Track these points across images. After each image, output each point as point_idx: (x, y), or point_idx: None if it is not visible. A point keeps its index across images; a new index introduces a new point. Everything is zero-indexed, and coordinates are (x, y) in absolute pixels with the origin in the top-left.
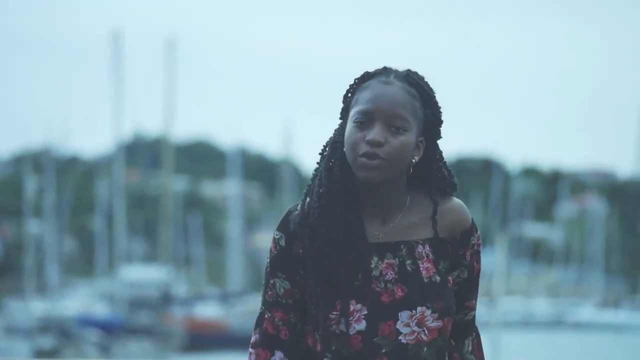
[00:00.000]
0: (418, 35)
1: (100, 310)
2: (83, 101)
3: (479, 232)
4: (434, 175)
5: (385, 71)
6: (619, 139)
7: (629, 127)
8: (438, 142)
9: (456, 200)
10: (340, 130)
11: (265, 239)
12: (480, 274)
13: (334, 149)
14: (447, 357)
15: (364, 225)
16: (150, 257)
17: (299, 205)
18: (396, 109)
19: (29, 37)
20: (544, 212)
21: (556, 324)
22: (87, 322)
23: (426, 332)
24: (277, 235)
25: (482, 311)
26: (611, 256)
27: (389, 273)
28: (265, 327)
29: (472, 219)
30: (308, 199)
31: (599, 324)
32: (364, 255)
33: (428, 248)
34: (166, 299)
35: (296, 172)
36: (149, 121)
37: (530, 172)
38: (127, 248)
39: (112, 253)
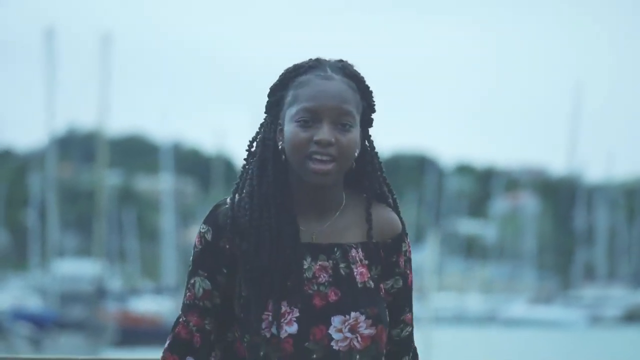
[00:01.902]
0: (353, 32)
1: (33, 304)
2: (16, 96)
3: (409, 240)
4: (367, 170)
5: (319, 64)
6: (552, 137)
7: (561, 125)
8: (369, 130)
9: (389, 209)
10: (268, 127)
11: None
12: (413, 286)
13: (265, 146)
14: None
15: (298, 224)
16: (84, 252)
17: (228, 200)
18: (342, 105)
19: None
20: (477, 208)
21: (489, 319)
22: (19, 315)
23: (359, 339)
24: (203, 228)
25: (414, 308)
26: (544, 253)
27: (322, 275)
28: (178, 332)
29: (404, 227)
30: (237, 197)
31: (532, 320)
32: (296, 256)
33: (361, 252)
34: (100, 293)
35: (229, 167)
36: (83, 116)
37: (464, 169)
38: (61, 242)
39: (45, 247)
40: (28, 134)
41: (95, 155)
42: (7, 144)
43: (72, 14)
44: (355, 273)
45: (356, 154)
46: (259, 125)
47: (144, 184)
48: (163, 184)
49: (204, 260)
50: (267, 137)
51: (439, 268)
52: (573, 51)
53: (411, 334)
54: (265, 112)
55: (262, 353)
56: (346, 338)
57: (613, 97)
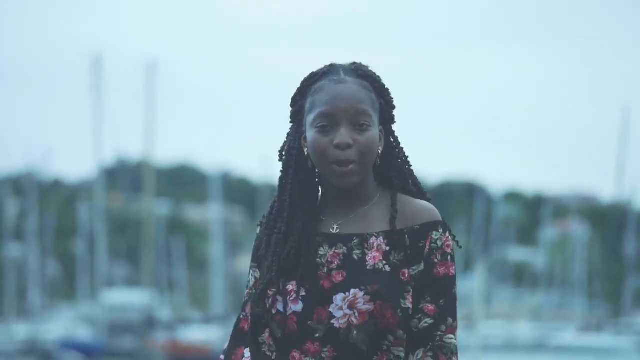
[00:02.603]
0: (400, 60)
1: (83, 333)
2: (65, 126)
3: (448, 235)
4: (394, 165)
5: (333, 69)
6: (600, 163)
7: (610, 151)
8: (392, 126)
9: (424, 201)
10: (293, 135)
11: (247, 262)
12: (448, 282)
13: (288, 155)
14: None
15: (323, 219)
16: (133, 281)
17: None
18: (357, 106)
19: (8, 65)
20: (526, 236)
21: (538, 347)
22: (68, 345)
23: (356, 314)
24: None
25: (462, 335)
26: (593, 280)
27: (335, 261)
28: (242, 326)
29: (443, 221)
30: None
31: (581, 348)
32: (306, 249)
33: (382, 240)
34: (149, 323)
35: None
36: (132, 145)
37: (513, 197)
38: (110, 272)
39: (94, 277)
40: (77, 163)
41: (143, 184)
42: (56, 174)
43: (118, 42)
44: (368, 257)
45: (379, 151)
46: (286, 135)
47: (192, 213)
48: (212, 213)
49: (255, 253)
50: (291, 146)
51: (487, 296)
52: (621, 76)
53: (433, 327)
54: (290, 122)
55: (269, 329)
56: (345, 315)
57: None
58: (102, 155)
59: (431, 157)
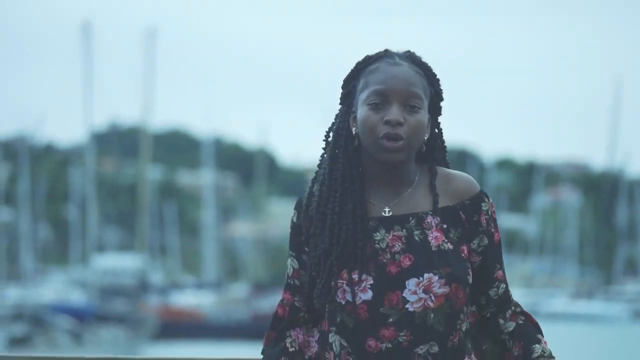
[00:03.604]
0: (395, 29)
1: (74, 297)
2: (58, 91)
3: (490, 201)
4: (438, 152)
5: (388, 53)
6: (593, 131)
7: (602, 119)
8: (439, 118)
9: (462, 172)
10: (342, 116)
11: (240, 228)
12: (501, 245)
13: (337, 135)
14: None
15: (372, 202)
16: (126, 246)
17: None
18: (410, 88)
19: (1, 29)
20: (518, 203)
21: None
22: (60, 309)
23: (433, 298)
24: (293, 213)
25: None
26: (585, 247)
27: (396, 244)
28: (276, 310)
29: (482, 189)
30: (316, 185)
31: (573, 315)
32: (361, 232)
33: (437, 218)
34: (142, 287)
35: (271, 162)
36: (125, 111)
37: (505, 164)
38: (102, 236)
39: (85, 241)
40: (70, 129)
41: (137, 150)
42: (48, 139)
43: (115, 8)
44: (430, 237)
45: (425, 137)
46: (334, 117)
47: (185, 178)
48: (204, 179)
49: (293, 241)
50: (340, 126)
51: None
52: (613, 44)
53: (507, 290)
54: (340, 104)
55: (338, 319)
56: (420, 299)
57: None
58: (93, 120)
59: None
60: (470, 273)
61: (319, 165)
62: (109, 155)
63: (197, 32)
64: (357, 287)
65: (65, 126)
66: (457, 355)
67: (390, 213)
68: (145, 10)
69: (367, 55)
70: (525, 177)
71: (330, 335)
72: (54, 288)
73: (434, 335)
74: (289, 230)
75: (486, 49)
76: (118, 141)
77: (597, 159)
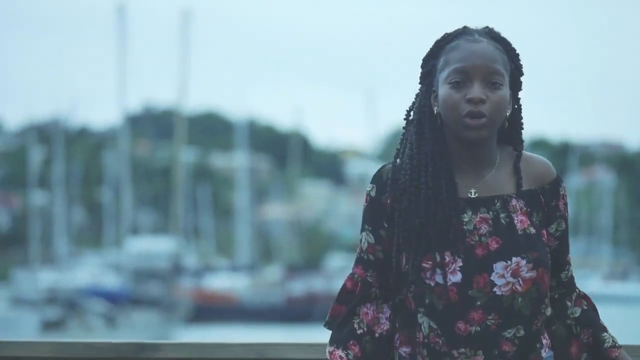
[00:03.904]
0: (431, 9)
1: (109, 281)
2: (92, 74)
3: (564, 184)
4: (517, 129)
5: (467, 30)
6: (628, 111)
7: (638, 99)
8: (519, 93)
9: (540, 156)
10: (423, 95)
11: (273, 211)
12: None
13: (421, 112)
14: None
15: (457, 182)
16: (160, 229)
17: (390, 163)
18: (491, 64)
19: (34, 12)
20: None
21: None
22: (94, 292)
23: (520, 282)
24: (369, 187)
25: None
26: (619, 228)
27: (483, 227)
28: (345, 283)
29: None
30: (399, 160)
31: (607, 296)
32: (455, 210)
33: (521, 201)
34: (176, 270)
35: (305, 144)
36: (159, 94)
37: (539, 144)
38: (136, 219)
39: (119, 224)
40: (104, 112)
41: (170, 132)
42: (82, 122)
43: None
44: (515, 221)
45: (507, 113)
46: (414, 96)
47: (219, 161)
48: (237, 161)
49: (369, 215)
50: (422, 104)
51: None
52: None
53: (571, 273)
54: (419, 83)
55: (427, 301)
56: (508, 283)
57: None
58: (127, 103)
59: None
60: (549, 257)
61: (400, 143)
62: (143, 138)
63: (230, 14)
64: (447, 269)
65: (100, 109)
66: (537, 337)
67: (476, 194)
68: None
69: (446, 33)
70: (559, 158)
71: (418, 315)
72: (88, 271)
73: (521, 319)
74: (364, 204)
75: (520, 26)
76: (152, 124)
77: (632, 138)
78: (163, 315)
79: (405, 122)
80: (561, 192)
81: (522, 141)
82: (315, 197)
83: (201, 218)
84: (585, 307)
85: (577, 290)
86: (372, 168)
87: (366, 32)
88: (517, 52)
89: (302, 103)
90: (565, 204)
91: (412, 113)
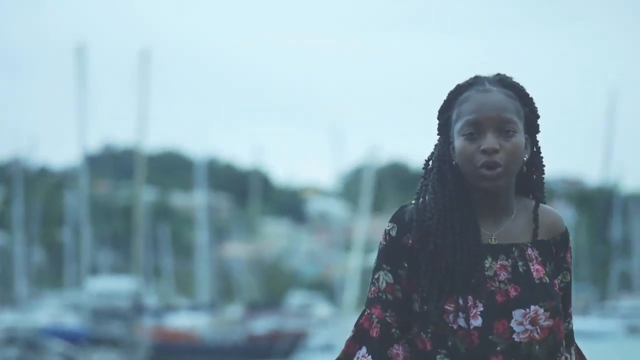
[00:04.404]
0: (394, 47)
1: (69, 321)
2: (52, 114)
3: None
4: (538, 174)
5: (478, 80)
6: (587, 146)
7: (596, 134)
8: (537, 136)
9: (551, 208)
10: (442, 145)
11: (234, 249)
12: None
13: (442, 161)
14: None
15: (479, 227)
16: (120, 268)
17: (413, 203)
18: (502, 113)
19: None
20: None
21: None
22: (53, 333)
23: (538, 330)
24: (389, 226)
25: None
26: (580, 264)
27: (502, 274)
28: (361, 322)
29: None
30: (421, 200)
31: None
32: (479, 256)
33: (536, 251)
34: (137, 310)
35: (265, 182)
36: (119, 133)
37: None
38: (96, 259)
39: (80, 264)
40: (64, 152)
41: (130, 171)
42: (42, 162)
43: (108, 31)
44: (532, 270)
45: (525, 158)
46: (433, 146)
47: (179, 200)
48: (197, 200)
49: (388, 255)
50: (442, 154)
51: None
52: (607, 58)
53: (572, 326)
54: (437, 134)
55: (450, 343)
56: (527, 330)
57: None
58: (87, 143)
59: (417, 143)
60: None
61: (419, 190)
62: (103, 178)
63: (189, 54)
64: (469, 313)
65: (59, 149)
66: None
67: (496, 241)
68: (138, 32)
69: (458, 84)
70: None
71: (438, 357)
72: (48, 312)
73: None
74: (382, 243)
75: (473, 61)
76: (112, 163)
77: (591, 174)
78: (123, 356)
79: (424, 170)
80: (569, 245)
81: (542, 188)
82: (275, 235)
83: (161, 257)
84: None
85: (575, 343)
86: (333, 206)
87: (327, 70)
88: (530, 96)
89: (263, 142)
90: (571, 257)
91: (430, 162)
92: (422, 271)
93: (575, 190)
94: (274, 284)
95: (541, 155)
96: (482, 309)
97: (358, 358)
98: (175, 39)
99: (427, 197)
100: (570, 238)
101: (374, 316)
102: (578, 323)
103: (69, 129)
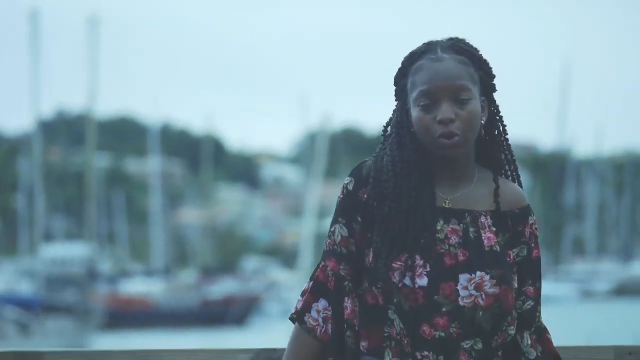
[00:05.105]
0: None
1: (23, 288)
2: (5, 80)
3: (535, 219)
4: (494, 136)
5: (431, 47)
6: (541, 113)
7: (551, 101)
8: (494, 95)
9: (514, 184)
10: (400, 112)
11: (188, 215)
12: (540, 264)
13: (401, 127)
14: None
15: (435, 192)
16: (74, 235)
17: (371, 160)
18: (456, 81)
19: None
20: None
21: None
22: (7, 300)
23: (483, 297)
24: (347, 180)
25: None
26: None
27: (453, 237)
28: (317, 275)
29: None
30: (379, 161)
31: None
32: (432, 218)
33: (490, 220)
34: (91, 276)
35: (219, 148)
36: (72, 100)
37: None
38: (50, 226)
39: (34, 231)
40: (17, 118)
41: (84, 138)
42: None
43: None
44: (483, 237)
45: (482, 122)
46: (392, 112)
47: (133, 166)
48: (151, 166)
49: (344, 208)
50: (401, 120)
51: None
52: (563, 27)
53: (534, 309)
54: (395, 100)
55: (395, 300)
56: (471, 295)
57: (602, 73)
58: (40, 109)
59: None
60: (516, 279)
61: (377, 155)
62: (56, 144)
63: (143, 18)
64: (414, 272)
65: (13, 115)
66: (496, 354)
67: (450, 205)
68: None
69: (412, 52)
70: None
71: (390, 312)
72: (1, 279)
73: (480, 333)
74: (340, 196)
75: (430, 31)
76: (65, 130)
77: (545, 140)
78: (78, 322)
79: (382, 136)
80: (530, 221)
81: (506, 149)
82: (230, 201)
83: (115, 223)
84: (540, 355)
85: (535, 328)
86: (288, 172)
87: (283, 38)
88: (483, 58)
89: (218, 108)
90: (532, 235)
91: (389, 128)
92: (375, 228)
93: (529, 155)
94: (228, 250)
95: (500, 114)
96: (429, 269)
97: (319, 312)
98: (131, 6)
99: (385, 160)
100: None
101: (328, 269)
102: None
103: (22, 95)
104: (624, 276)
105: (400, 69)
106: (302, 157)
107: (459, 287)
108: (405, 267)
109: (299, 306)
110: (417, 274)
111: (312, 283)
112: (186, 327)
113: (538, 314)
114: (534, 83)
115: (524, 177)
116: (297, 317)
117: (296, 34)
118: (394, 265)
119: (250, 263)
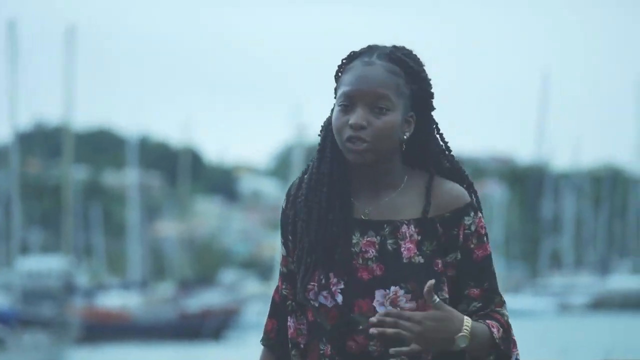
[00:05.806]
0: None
1: None
2: None
3: (480, 216)
4: (430, 151)
5: (369, 50)
6: (519, 125)
7: (529, 113)
8: (433, 114)
9: (454, 183)
10: (331, 112)
11: (166, 228)
12: (487, 263)
13: (327, 130)
14: None
15: (353, 202)
16: (51, 248)
17: (298, 178)
18: (377, 89)
19: None
20: None
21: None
22: None
23: None
24: (282, 200)
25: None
26: (511, 241)
27: (369, 251)
28: (273, 296)
29: (472, 202)
30: (305, 176)
31: None
32: (346, 230)
33: (413, 228)
34: (67, 289)
35: (197, 160)
36: (50, 110)
37: None
38: (27, 238)
39: (10, 244)
40: None
41: (61, 150)
42: None
43: (36, 6)
44: (402, 249)
45: (405, 137)
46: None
47: (110, 178)
48: (129, 178)
49: (281, 228)
50: (327, 122)
51: None
52: (541, 39)
53: (481, 308)
54: (334, 97)
55: (318, 320)
56: None
57: (580, 85)
58: (18, 121)
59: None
60: (445, 288)
61: (312, 159)
62: (34, 156)
63: (121, 30)
64: (328, 291)
65: None
66: None
67: (368, 217)
68: (67, 8)
69: (352, 52)
70: None
71: (322, 330)
72: None
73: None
74: (280, 216)
75: (410, 38)
76: (43, 141)
77: (523, 152)
78: (54, 336)
79: (319, 138)
80: (466, 222)
81: (433, 164)
82: (208, 213)
83: (93, 236)
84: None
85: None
86: (265, 185)
87: (262, 47)
88: (421, 74)
89: (196, 119)
90: (471, 236)
91: (322, 130)
92: (297, 248)
93: (506, 168)
94: (206, 263)
95: (440, 132)
96: (342, 286)
97: (275, 332)
98: (109, 17)
99: (309, 171)
100: (481, 215)
101: (278, 289)
102: (510, 301)
103: (0, 106)
104: (601, 290)
105: (338, 66)
106: (280, 169)
107: (375, 304)
108: (319, 285)
109: (264, 328)
110: (333, 291)
111: (270, 304)
112: (163, 340)
113: (489, 310)
114: (512, 96)
115: (502, 191)
116: (262, 339)
117: (276, 46)
118: (308, 285)
119: (228, 276)
